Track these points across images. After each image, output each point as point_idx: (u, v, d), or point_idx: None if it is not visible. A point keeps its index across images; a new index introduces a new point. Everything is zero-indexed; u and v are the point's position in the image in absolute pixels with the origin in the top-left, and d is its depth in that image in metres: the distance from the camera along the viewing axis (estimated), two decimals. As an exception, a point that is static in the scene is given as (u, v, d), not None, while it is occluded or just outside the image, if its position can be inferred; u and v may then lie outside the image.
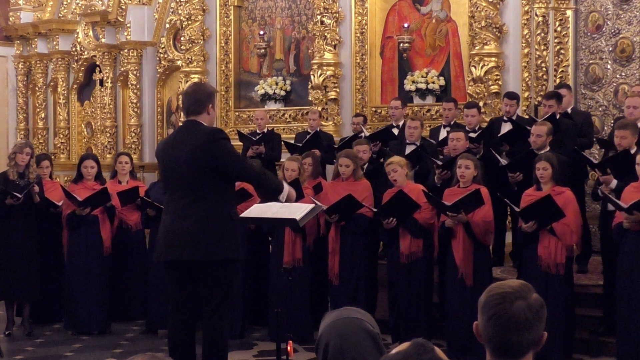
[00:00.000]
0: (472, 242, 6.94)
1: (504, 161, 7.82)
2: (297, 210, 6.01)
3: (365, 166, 8.31)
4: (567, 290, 6.71)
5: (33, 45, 14.26)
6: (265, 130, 10.21)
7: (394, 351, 2.22)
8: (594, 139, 8.36)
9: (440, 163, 7.84)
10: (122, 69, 12.98)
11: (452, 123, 8.85)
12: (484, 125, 8.78)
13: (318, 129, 9.84)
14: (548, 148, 7.50)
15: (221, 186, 5.34)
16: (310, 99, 10.98)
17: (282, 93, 11.64)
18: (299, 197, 7.31)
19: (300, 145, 9.38)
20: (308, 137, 9.59)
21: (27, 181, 8.00)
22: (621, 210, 6.35)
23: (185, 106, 5.42)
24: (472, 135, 8.23)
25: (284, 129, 11.14)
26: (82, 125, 13.88)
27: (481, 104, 9.49)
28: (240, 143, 9.93)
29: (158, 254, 5.47)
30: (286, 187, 5.57)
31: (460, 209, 6.83)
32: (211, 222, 5.27)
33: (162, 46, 12.80)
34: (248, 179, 5.54)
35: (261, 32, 11.65)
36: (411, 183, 7.38)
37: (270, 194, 5.59)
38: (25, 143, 8.51)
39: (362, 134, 9.46)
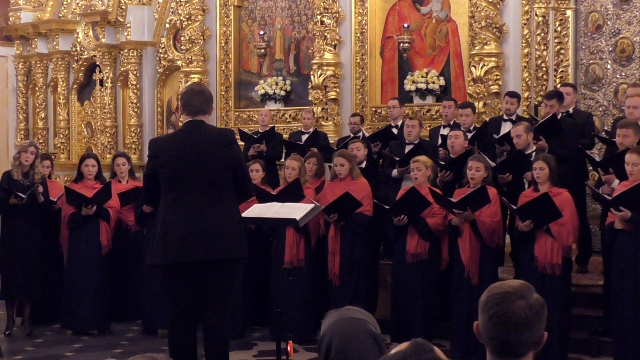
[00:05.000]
0: (478, 241, 6.98)
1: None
2: (297, 210, 6.04)
3: (363, 164, 8.33)
4: (563, 291, 6.70)
5: (33, 45, 14.25)
6: (267, 128, 10.20)
7: (393, 351, 2.22)
8: (596, 138, 8.34)
9: (442, 163, 7.86)
10: (122, 69, 12.98)
11: (451, 123, 8.86)
12: (479, 125, 8.78)
13: (312, 129, 9.83)
14: (535, 148, 7.52)
15: (232, 186, 5.37)
16: (310, 99, 10.98)
17: (282, 93, 11.64)
18: (299, 198, 7.33)
19: (301, 144, 9.39)
20: (308, 136, 9.60)
21: (32, 181, 8.01)
22: (607, 204, 6.37)
23: (196, 105, 5.36)
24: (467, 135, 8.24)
25: (284, 129, 11.14)
26: (82, 125, 13.87)
27: (481, 104, 9.50)
28: (242, 142, 9.93)
29: (172, 255, 5.27)
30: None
31: (467, 206, 6.85)
32: (234, 221, 5.34)
33: (162, 46, 12.79)
34: (247, 183, 5.58)
35: (261, 32, 11.65)
36: (430, 186, 7.38)
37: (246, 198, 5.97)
38: (30, 143, 8.50)
39: (360, 134, 9.48)
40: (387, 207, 7.40)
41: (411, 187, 7.34)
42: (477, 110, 9.04)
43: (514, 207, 6.75)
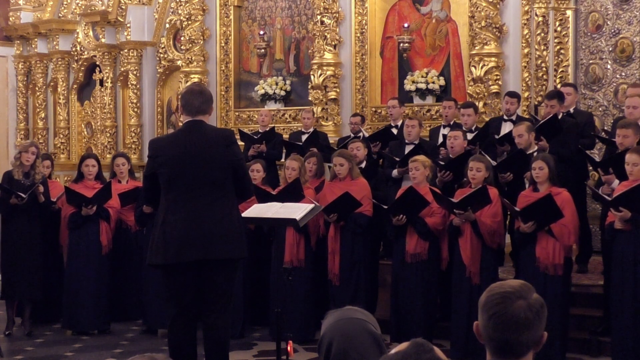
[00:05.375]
0: (479, 241, 6.97)
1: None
2: (297, 210, 6.04)
3: (363, 164, 8.33)
4: (563, 291, 6.70)
5: (33, 45, 14.25)
6: (267, 128, 10.21)
7: (393, 351, 2.22)
8: (596, 138, 8.34)
9: (442, 164, 7.86)
10: (122, 69, 12.98)
11: (451, 123, 8.86)
12: (481, 125, 8.78)
13: (313, 129, 9.83)
14: (536, 147, 7.52)
15: (232, 186, 5.37)
16: (310, 99, 10.98)
17: (282, 93, 11.64)
18: (299, 198, 7.33)
19: (301, 144, 9.39)
20: (308, 136, 9.60)
21: (32, 181, 8.02)
22: (607, 204, 6.37)
23: (196, 105, 5.37)
24: (469, 136, 8.24)
25: (284, 129, 11.14)
26: (82, 125, 13.87)
27: (481, 104, 9.50)
28: (242, 143, 9.93)
29: (172, 255, 5.27)
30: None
31: (468, 206, 6.85)
32: (233, 221, 5.34)
33: (162, 46, 12.80)
34: (247, 183, 5.58)
35: (261, 32, 11.65)
36: (429, 186, 7.37)
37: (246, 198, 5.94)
38: (31, 143, 8.51)
39: (361, 134, 9.48)
40: (386, 207, 7.39)
41: (409, 187, 7.33)
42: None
43: (516, 209, 6.75)
